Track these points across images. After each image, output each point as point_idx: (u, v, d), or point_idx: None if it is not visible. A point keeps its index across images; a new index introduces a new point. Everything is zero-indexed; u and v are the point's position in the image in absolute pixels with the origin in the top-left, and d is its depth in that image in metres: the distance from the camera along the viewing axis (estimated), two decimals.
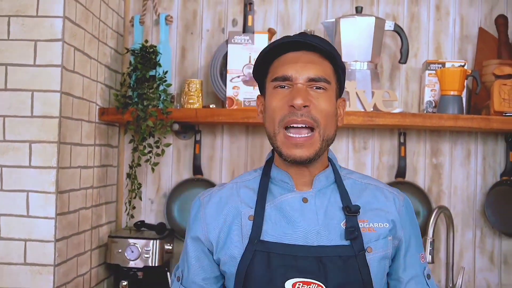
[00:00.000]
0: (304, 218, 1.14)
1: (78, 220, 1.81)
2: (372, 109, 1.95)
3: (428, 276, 1.22)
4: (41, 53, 1.62)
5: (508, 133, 2.13)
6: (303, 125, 1.12)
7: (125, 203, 2.06)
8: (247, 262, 1.11)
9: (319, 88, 1.15)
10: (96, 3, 1.86)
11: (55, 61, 1.62)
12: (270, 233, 1.13)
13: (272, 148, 1.25)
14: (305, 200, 1.17)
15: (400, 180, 2.16)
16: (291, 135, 1.12)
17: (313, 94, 1.14)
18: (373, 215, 1.17)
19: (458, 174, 2.19)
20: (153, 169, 1.98)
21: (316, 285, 1.07)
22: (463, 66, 2.00)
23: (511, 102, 1.91)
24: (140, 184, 2.00)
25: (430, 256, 1.93)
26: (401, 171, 2.16)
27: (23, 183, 1.67)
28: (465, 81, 1.96)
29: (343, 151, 2.21)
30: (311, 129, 1.13)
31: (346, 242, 1.12)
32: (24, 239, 1.64)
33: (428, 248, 1.93)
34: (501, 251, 2.17)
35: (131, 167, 1.99)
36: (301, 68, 1.14)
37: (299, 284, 1.07)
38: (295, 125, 1.12)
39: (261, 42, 1.94)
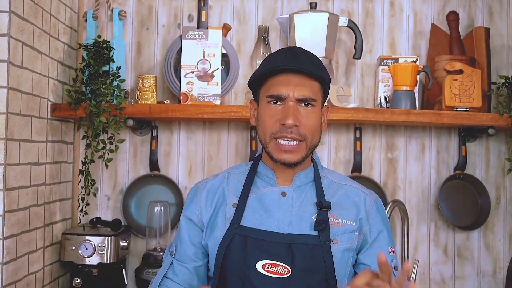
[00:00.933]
0: (280, 209, 1.28)
1: (29, 217, 1.77)
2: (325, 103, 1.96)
3: (396, 268, 1.31)
4: None
5: (460, 128, 2.16)
6: (292, 141, 1.26)
7: (78, 200, 2.03)
8: (227, 243, 1.24)
9: (308, 105, 1.29)
10: None
11: (1, 56, 1.58)
12: (249, 219, 1.27)
13: (262, 147, 1.38)
14: (283, 194, 1.31)
15: (356, 174, 2.17)
16: (281, 142, 1.26)
17: (302, 112, 1.28)
18: (343, 213, 1.29)
19: (413, 168, 2.21)
20: (106, 165, 1.96)
21: (283, 267, 1.19)
22: (415, 61, 2.03)
23: (462, 97, 1.94)
24: (94, 181, 1.98)
25: None
26: (357, 166, 2.17)
27: None
28: (418, 76, 1.99)
29: None
30: (299, 140, 1.28)
31: (315, 233, 1.24)
32: None
33: None
34: (454, 244, 2.20)
35: (84, 163, 1.96)
36: (292, 89, 1.27)
37: (269, 265, 1.19)
38: (284, 139, 1.27)
39: (215, 37, 1.93)
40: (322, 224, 1.24)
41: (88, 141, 1.95)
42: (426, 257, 2.20)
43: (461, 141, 2.17)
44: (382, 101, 2.08)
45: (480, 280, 2.19)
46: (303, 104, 1.28)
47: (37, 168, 1.83)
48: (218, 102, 1.93)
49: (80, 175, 1.99)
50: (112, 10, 2.08)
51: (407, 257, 2.13)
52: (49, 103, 1.91)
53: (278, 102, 1.29)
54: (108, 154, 1.94)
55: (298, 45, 2.00)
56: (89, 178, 1.97)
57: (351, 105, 2.00)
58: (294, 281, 1.20)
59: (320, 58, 1.97)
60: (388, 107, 2.04)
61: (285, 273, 1.20)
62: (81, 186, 2.00)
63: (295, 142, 1.26)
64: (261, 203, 1.30)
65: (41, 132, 1.86)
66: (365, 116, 1.93)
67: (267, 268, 1.20)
